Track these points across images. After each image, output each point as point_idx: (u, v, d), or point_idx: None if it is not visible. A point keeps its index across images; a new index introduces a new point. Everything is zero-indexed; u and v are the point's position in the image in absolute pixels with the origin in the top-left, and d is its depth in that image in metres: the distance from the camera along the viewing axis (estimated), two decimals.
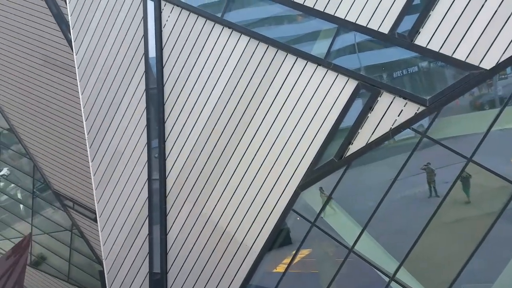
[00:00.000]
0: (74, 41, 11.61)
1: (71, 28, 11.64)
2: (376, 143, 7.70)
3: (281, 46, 8.68)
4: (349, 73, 7.97)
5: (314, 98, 8.29)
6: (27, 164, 18.43)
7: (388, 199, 7.67)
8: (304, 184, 8.40)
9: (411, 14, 7.44)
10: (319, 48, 8.42)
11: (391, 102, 7.62)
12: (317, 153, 8.24)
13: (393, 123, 7.57)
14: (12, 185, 20.02)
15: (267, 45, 8.82)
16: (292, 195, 8.50)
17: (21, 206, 20.01)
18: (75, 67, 11.68)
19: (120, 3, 10.89)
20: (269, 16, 9.27)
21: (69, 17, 11.64)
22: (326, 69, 8.16)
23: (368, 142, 7.75)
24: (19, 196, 20.01)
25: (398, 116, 7.54)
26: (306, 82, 8.38)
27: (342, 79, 8.03)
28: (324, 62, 8.20)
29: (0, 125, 18.44)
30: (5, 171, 19.94)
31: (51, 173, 17.41)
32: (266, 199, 8.81)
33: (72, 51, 11.98)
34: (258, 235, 8.83)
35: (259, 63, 8.94)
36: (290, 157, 8.56)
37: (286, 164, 8.60)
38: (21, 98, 16.87)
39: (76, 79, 11.66)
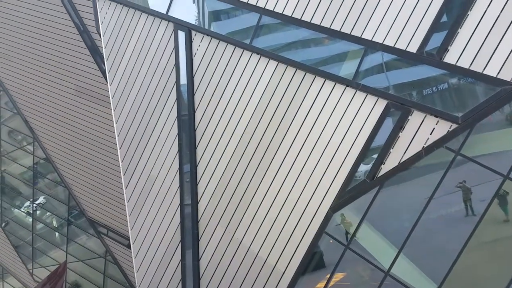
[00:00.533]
0: (108, 72, 12.06)
1: (105, 60, 12.12)
2: (409, 162, 7.56)
3: (308, 69, 8.78)
4: (378, 93, 7.95)
5: (343, 119, 8.27)
6: (63, 192, 18.89)
7: (423, 219, 7.47)
8: (336, 206, 8.28)
9: (439, 32, 7.43)
10: (347, 69, 8.47)
11: (423, 121, 7.52)
12: (348, 174, 8.15)
13: (426, 141, 7.44)
14: (48, 213, 20.51)
15: (295, 69, 8.93)
16: (324, 217, 8.38)
17: (57, 233, 20.42)
18: (109, 97, 12.09)
19: (152, 34, 11.31)
20: (296, 40, 9.42)
21: (103, 49, 12.14)
22: (355, 90, 8.17)
23: (401, 162, 7.62)
24: (54, 224, 20.44)
25: (430, 134, 7.41)
26: (335, 103, 8.39)
27: (371, 99, 8.01)
28: (352, 83, 8.22)
29: (37, 155, 19.08)
30: (41, 199, 20.48)
31: (86, 200, 17.78)
32: (298, 222, 8.71)
33: (106, 81, 12.43)
34: (291, 259, 8.70)
35: (288, 86, 9.04)
36: (321, 178, 8.50)
37: (317, 185, 8.54)
38: (57, 128, 17.48)
39: (110, 109, 12.05)
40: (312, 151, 8.64)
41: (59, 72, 16.65)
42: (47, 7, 16.47)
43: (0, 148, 20.56)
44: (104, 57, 12.13)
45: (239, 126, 9.72)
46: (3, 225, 21.52)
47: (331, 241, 8.48)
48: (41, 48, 17.00)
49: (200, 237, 10.10)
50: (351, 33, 8.27)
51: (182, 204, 10.51)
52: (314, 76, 8.71)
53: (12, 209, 21.60)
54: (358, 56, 8.28)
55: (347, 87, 8.29)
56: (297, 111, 8.92)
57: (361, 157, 8.04)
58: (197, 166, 10.36)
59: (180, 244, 10.41)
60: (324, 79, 8.57)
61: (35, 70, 17.39)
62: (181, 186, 10.59)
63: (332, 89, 8.46)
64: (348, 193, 8.15)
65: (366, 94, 8.07)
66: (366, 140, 7.98)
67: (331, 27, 8.51)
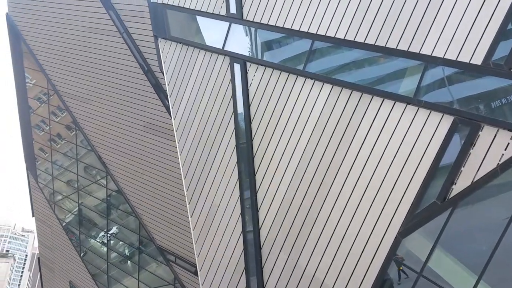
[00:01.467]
0: (172, 107, 12.43)
1: (169, 96, 12.53)
2: (483, 181, 6.84)
3: (365, 89, 8.40)
4: (442, 109, 7.35)
5: (406, 139, 7.74)
6: (133, 222, 19.53)
7: (504, 242, 6.65)
8: (405, 230, 7.65)
9: (505, 40, 6.79)
10: (406, 86, 7.97)
11: (495, 136, 6.80)
12: (416, 196, 7.53)
13: (500, 158, 6.70)
14: (121, 242, 21.25)
15: (351, 90, 8.59)
16: (393, 243, 7.77)
17: (129, 262, 21.03)
18: (173, 131, 12.41)
19: (210, 69, 11.55)
20: (350, 61, 9.12)
21: (167, 86, 12.57)
22: (417, 107, 7.65)
23: (474, 181, 6.91)
24: (126, 252, 21.11)
25: (505, 150, 6.68)
26: (396, 122, 7.89)
27: (435, 115, 7.43)
28: (413, 100, 7.71)
29: (109, 188, 20.00)
30: (114, 229, 21.30)
31: (155, 229, 18.21)
32: (364, 248, 8.15)
33: (170, 116, 12.81)
34: (359, 287, 8.12)
35: (344, 108, 8.70)
36: (386, 202, 7.94)
37: (383, 210, 7.98)
38: (127, 162, 18.28)
39: (175, 141, 12.34)
40: (375, 173, 8.14)
41: (127, 110, 17.55)
42: (115, 52, 17.57)
43: (78, 183, 21.84)
44: (168, 94, 12.55)
45: (297, 152, 9.47)
46: (82, 254, 22.59)
47: (401, 268, 7.82)
48: (110, 89, 18.08)
49: (264, 264, 9.80)
50: (409, 50, 7.83)
51: (244, 231, 10.33)
52: (371, 96, 8.30)
53: (89, 239, 22.66)
54: (417, 72, 7.78)
55: (408, 105, 7.79)
56: (355, 133, 8.51)
57: (430, 177, 7.41)
58: (257, 193, 10.19)
59: (244, 271, 10.17)
60: (382, 99, 8.13)
61: (106, 110, 18.48)
62: (242, 213, 10.45)
63: (392, 108, 7.98)
64: (418, 216, 7.50)
65: (429, 111, 7.51)
66: (434, 159, 7.36)
67: (387, 45, 8.13)
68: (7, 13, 21.47)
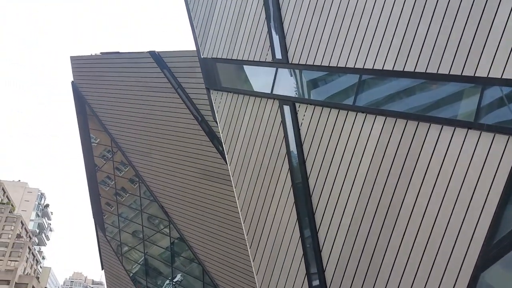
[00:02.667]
0: (227, 154, 12.68)
1: (223, 143, 12.84)
2: None
3: (421, 117, 8.09)
4: (508, 131, 6.88)
5: (472, 165, 7.25)
6: (197, 268, 19.57)
7: None
8: (483, 264, 6.99)
9: None
10: (464, 110, 7.60)
11: None
12: (490, 225, 6.93)
13: None
14: None
15: (406, 120, 8.31)
16: (470, 280, 7.10)
17: None
18: (229, 176, 12.57)
19: (260, 113, 11.76)
20: (400, 89, 8.88)
21: (221, 134, 12.92)
22: (479, 131, 7.22)
23: None
24: None
25: None
26: (459, 149, 7.46)
27: (501, 138, 6.95)
28: (474, 124, 7.29)
29: (172, 235, 20.37)
30: (178, 277, 21.41)
31: (218, 275, 18.10)
32: (439, 287, 7.51)
33: (226, 162, 13.03)
34: None
35: (401, 140, 8.39)
36: (458, 235, 7.33)
37: (454, 245, 7.36)
38: (187, 209, 18.67)
39: (232, 186, 12.47)
40: (441, 206, 7.63)
41: (185, 159, 18.18)
42: (171, 106, 18.50)
43: (143, 233, 22.48)
44: (222, 141, 12.87)
45: (355, 189, 9.16)
46: None
47: None
48: (168, 141, 18.90)
49: None
50: (463, 74, 7.53)
51: (308, 274, 9.95)
52: (428, 124, 7.97)
53: None
54: (473, 95, 7.41)
55: (469, 130, 7.37)
56: (416, 164, 8.12)
57: (503, 203, 6.82)
58: (318, 233, 9.88)
59: None
60: (441, 126, 7.77)
61: (166, 161, 19.23)
62: (305, 255, 10.12)
63: (453, 135, 7.59)
64: (496, 246, 6.86)
65: (493, 134, 7.05)
66: (505, 184, 6.80)
67: (438, 72, 7.88)
68: (72, 81, 23.50)
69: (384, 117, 8.71)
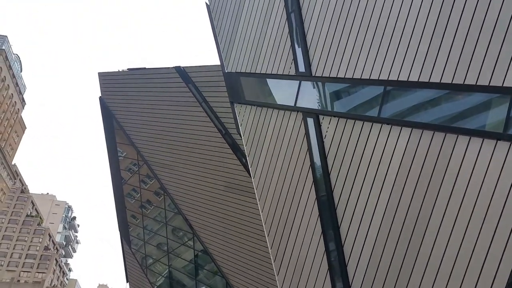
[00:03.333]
0: (251, 166, 12.75)
1: (247, 156, 12.92)
2: None
3: (448, 129, 7.96)
4: None
5: (502, 176, 7.06)
6: (220, 281, 19.53)
7: None
8: None
9: None
10: (492, 121, 7.44)
11: None
12: None
13: None
14: None
15: (433, 131, 8.20)
16: None
17: None
18: (253, 188, 12.61)
19: (284, 126, 11.82)
20: (425, 100, 8.76)
21: (245, 147, 13.02)
22: (509, 142, 7.04)
23: None
24: None
25: None
26: (488, 160, 7.28)
27: None
28: (503, 135, 7.13)
29: (196, 248, 20.46)
30: None
31: None
32: None
33: (249, 175, 13.10)
34: None
35: (428, 151, 8.26)
36: (489, 249, 7.11)
37: (486, 257, 7.14)
38: (211, 222, 18.76)
39: (256, 199, 12.49)
40: (471, 217, 7.43)
41: (209, 172, 18.37)
42: (195, 119, 18.82)
43: (167, 245, 22.67)
44: (246, 153, 12.97)
45: (381, 201, 9.02)
46: None
47: None
48: (192, 154, 19.18)
49: None
50: (490, 85, 7.40)
51: None
52: (455, 135, 7.83)
53: None
54: (501, 104, 7.26)
55: (498, 141, 7.21)
56: (443, 177, 7.95)
57: None
58: (343, 247, 9.74)
59: None
60: (468, 137, 7.63)
61: (190, 174, 19.48)
62: (330, 269, 9.98)
63: (481, 146, 7.43)
64: None
65: None
66: None
67: (465, 83, 7.77)
68: (100, 96, 24.22)
69: (410, 129, 8.61)
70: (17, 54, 67.66)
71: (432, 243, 7.91)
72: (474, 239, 7.30)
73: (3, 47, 59.80)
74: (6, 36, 62.73)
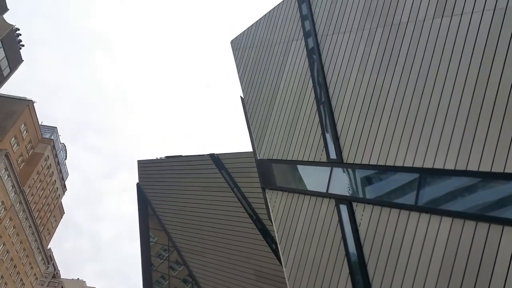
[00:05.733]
0: (282, 255, 12.17)
1: (278, 244, 12.41)
2: None
3: (492, 219, 7.42)
4: None
5: None
6: None
7: None
8: None
9: None
10: None
11: None
12: None
13: None
14: None
15: (475, 222, 7.65)
16: None
17: None
18: (284, 278, 11.89)
19: (316, 213, 11.46)
20: (463, 187, 8.31)
21: (276, 234, 12.57)
22: None
23: None
24: None
25: None
26: None
27: None
28: None
29: None
30: None
31: None
32: None
33: (280, 263, 12.45)
34: None
35: (472, 243, 7.64)
36: None
37: None
38: None
39: None
40: None
41: (238, 258, 17.73)
42: (227, 205, 18.69)
43: None
44: (277, 241, 12.48)
45: None
46: None
47: None
48: (222, 240, 18.74)
49: None
50: None
51: None
52: (501, 226, 7.27)
53: None
54: None
55: None
56: (492, 271, 7.24)
57: None
58: None
59: None
60: None
61: (219, 260, 18.84)
62: None
63: None
64: None
65: None
66: None
67: (505, 171, 7.40)
68: (137, 183, 24.82)
69: (450, 218, 8.10)
70: (63, 143, 72.02)
71: None
72: None
73: (52, 137, 64.07)
74: (55, 127, 67.55)
